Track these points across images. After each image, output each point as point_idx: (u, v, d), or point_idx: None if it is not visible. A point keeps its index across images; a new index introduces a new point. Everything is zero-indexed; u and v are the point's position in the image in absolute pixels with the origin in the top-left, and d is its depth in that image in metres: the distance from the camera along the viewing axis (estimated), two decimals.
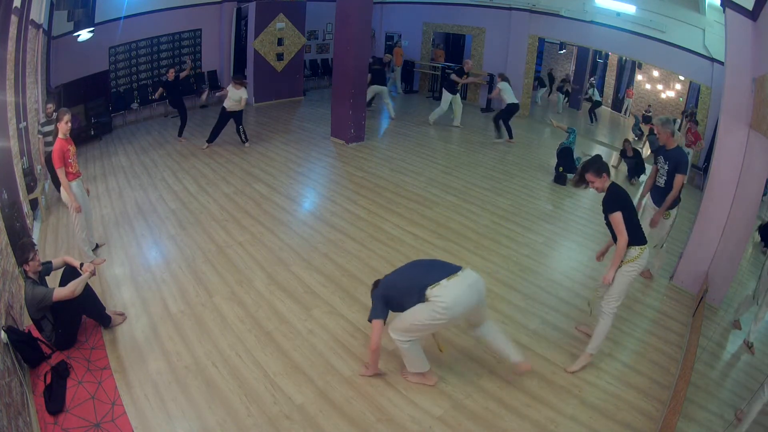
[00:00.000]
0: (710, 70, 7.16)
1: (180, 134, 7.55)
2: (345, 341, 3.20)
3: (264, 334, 3.25)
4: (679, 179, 3.53)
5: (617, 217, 2.84)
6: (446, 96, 8.67)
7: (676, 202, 3.69)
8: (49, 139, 4.69)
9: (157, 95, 7.37)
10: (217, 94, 7.31)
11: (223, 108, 6.99)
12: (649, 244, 3.54)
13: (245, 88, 6.91)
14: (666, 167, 3.61)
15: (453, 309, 2.50)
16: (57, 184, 4.79)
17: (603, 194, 2.97)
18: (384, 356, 3.06)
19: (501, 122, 8.07)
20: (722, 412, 2.88)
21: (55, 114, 4.71)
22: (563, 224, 5.29)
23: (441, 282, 2.52)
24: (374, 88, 8.86)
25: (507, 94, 7.84)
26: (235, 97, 6.83)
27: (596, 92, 11.39)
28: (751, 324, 3.46)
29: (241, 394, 2.74)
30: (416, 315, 2.55)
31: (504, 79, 7.97)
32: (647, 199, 3.95)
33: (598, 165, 2.92)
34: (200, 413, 2.61)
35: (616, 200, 2.89)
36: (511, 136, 8.13)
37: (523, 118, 10.11)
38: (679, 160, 3.55)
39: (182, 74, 7.36)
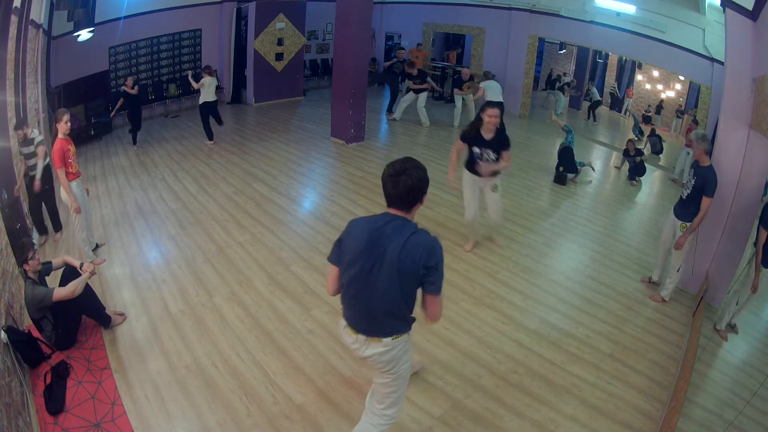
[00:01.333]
0: (710, 70, 7.16)
1: (134, 142, 7.25)
2: None
3: (264, 334, 3.25)
4: (706, 202, 3.41)
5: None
6: (457, 96, 9.17)
7: (688, 214, 3.58)
8: (32, 162, 4.33)
9: (119, 104, 7.13)
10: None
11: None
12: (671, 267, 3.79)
13: (208, 77, 7.11)
14: (693, 182, 3.52)
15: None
16: (36, 206, 4.45)
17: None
18: None
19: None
20: (722, 412, 2.88)
21: (34, 132, 4.36)
22: (563, 224, 5.28)
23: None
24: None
25: (494, 93, 7.54)
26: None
27: (596, 92, 11.36)
28: (732, 306, 3.47)
29: (241, 394, 2.74)
30: None
31: (489, 77, 7.71)
32: (669, 211, 3.86)
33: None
34: (200, 413, 2.61)
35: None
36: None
37: (523, 118, 10.12)
38: (706, 179, 3.40)
39: (133, 90, 7.06)
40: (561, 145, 6.65)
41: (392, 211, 1.84)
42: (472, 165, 3.89)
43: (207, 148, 7.21)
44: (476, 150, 3.77)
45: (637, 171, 6.94)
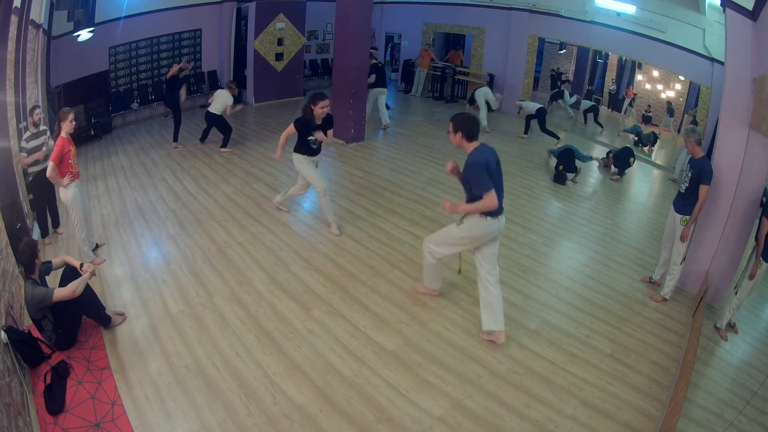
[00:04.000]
0: (710, 70, 7.16)
1: (175, 139, 7.31)
2: (345, 341, 3.20)
3: (264, 334, 3.25)
4: (703, 189, 3.49)
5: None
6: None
7: (687, 206, 3.64)
8: (35, 156, 4.29)
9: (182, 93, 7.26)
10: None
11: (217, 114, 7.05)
12: (675, 260, 3.76)
13: (226, 90, 7.05)
14: (690, 174, 3.59)
15: (480, 238, 3.11)
16: (40, 205, 4.46)
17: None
18: (384, 356, 3.07)
19: (545, 131, 8.23)
20: (722, 412, 2.88)
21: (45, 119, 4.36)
22: (563, 224, 5.29)
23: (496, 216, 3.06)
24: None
25: (531, 105, 8.39)
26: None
27: (586, 101, 10.65)
28: (732, 299, 3.50)
29: (241, 394, 2.74)
30: (451, 232, 3.22)
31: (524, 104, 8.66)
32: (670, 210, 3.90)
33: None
34: (200, 413, 2.61)
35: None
36: (527, 132, 8.75)
37: (523, 118, 10.09)
38: (702, 169, 3.49)
39: (182, 73, 7.11)
40: (562, 146, 6.66)
41: (477, 141, 3.08)
42: (303, 148, 4.52)
43: (207, 148, 7.20)
44: (309, 137, 4.43)
45: (619, 166, 6.96)
